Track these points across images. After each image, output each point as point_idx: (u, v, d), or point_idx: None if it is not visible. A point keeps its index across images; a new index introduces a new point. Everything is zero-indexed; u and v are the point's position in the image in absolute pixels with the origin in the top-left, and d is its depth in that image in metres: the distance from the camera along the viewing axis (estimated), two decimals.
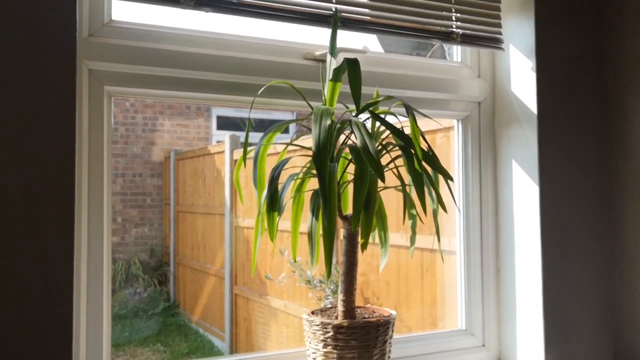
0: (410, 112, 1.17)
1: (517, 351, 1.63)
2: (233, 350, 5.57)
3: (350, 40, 2.05)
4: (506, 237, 1.67)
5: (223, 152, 5.54)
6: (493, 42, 1.60)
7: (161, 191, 7.46)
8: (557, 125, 1.61)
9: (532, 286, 1.59)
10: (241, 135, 6.16)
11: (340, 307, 1.30)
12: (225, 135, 5.71)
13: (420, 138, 1.21)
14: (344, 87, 1.23)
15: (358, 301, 3.69)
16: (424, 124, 1.89)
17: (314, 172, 1.22)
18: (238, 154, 5.23)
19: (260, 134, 1.28)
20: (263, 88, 1.25)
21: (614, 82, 1.67)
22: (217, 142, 7.45)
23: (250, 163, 1.27)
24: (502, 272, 1.68)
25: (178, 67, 1.26)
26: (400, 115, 1.33)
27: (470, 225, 1.69)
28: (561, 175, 1.61)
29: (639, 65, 1.61)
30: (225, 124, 7.73)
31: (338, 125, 1.20)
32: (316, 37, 1.57)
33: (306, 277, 3.49)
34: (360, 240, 1.20)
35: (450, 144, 1.90)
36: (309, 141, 1.17)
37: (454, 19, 1.52)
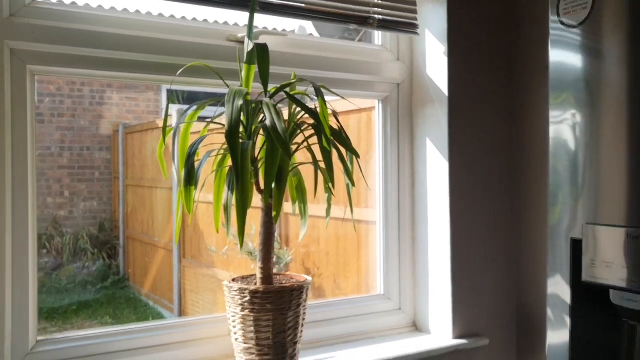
0: (319, 93, 1.27)
1: (429, 313, 1.78)
2: None
3: (285, 23, 2.13)
4: (421, 209, 1.80)
5: (171, 126, 5.54)
6: (409, 27, 1.70)
7: (110, 165, 7.40)
8: (466, 106, 1.73)
9: (443, 253, 1.73)
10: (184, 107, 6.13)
11: (258, 275, 1.41)
12: (174, 109, 5.69)
13: (332, 119, 1.31)
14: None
15: (300, 272, 3.81)
16: (350, 104, 1.99)
17: None
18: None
19: (214, 109, 1.36)
20: (182, 69, 1.33)
21: (517, 66, 1.80)
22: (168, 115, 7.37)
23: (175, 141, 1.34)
24: (417, 241, 1.81)
25: (101, 47, 1.32)
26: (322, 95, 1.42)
27: (389, 198, 1.81)
28: (469, 153, 1.74)
29: (539, 51, 1.74)
30: (174, 97, 7.66)
31: (253, 105, 1.28)
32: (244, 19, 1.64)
33: (248, 248, 3.59)
34: (273, 212, 1.31)
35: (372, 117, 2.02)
36: None
37: (371, 4, 1.62)
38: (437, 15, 1.71)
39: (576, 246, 1.08)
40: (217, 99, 1.39)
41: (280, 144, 1.15)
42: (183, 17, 1.50)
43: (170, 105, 7.74)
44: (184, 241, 5.51)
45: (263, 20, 1.63)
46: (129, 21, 1.38)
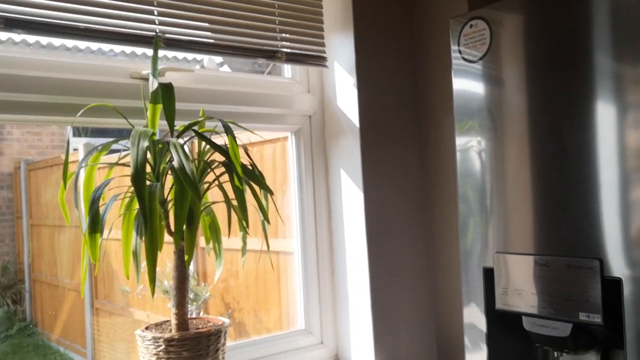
0: (229, 131, 1.24)
1: (351, 346, 1.76)
2: None
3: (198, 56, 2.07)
4: (339, 240, 1.79)
5: (77, 161, 5.30)
6: (317, 60, 1.71)
7: (12, 204, 6.98)
8: (378, 136, 1.76)
9: (362, 285, 1.73)
10: (97, 141, 5.91)
11: (173, 320, 1.34)
12: (80, 144, 5.46)
13: (244, 155, 1.28)
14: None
15: (219, 307, 3.70)
16: (264, 134, 1.97)
17: None
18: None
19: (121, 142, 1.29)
20: (82, 111, 1.26)
21: (425, 93, 1.85)
22: (74, 149, 7.08)
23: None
24: (336, 272, 1.80)
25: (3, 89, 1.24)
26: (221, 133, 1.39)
27: (306, 230, 1.79)
28: (382, 182, 1.76)
29: (445, 81, 1.80)
30: (80, 130, 7.37)
31: (160, 145, 1.23)
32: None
33: (163, 287, 3.46)
34: (185, 256, 1.25)
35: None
36: None
37: (279, 38, 1.61)
38: (344, 48, 1.73)
39: (488, 275, 1.10)
40: (122, 139, 1.33)
41: (189, 185, 1.11)
42: (83, 50, 1.44)
43: (76, 139, 7.44)
44: (96, 282, 5.25)
45: (171, 53, 1.59)
46: (26, 60, 1.30)
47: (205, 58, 2.52)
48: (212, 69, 1.68)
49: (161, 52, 1.60)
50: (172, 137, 1.18)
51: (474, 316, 1.13)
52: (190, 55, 1.58)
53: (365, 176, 1.71)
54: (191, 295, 3.63)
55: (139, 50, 1.60)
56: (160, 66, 1.47)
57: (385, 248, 1.75)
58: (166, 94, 1.15)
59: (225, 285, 3.63)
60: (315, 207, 1.81)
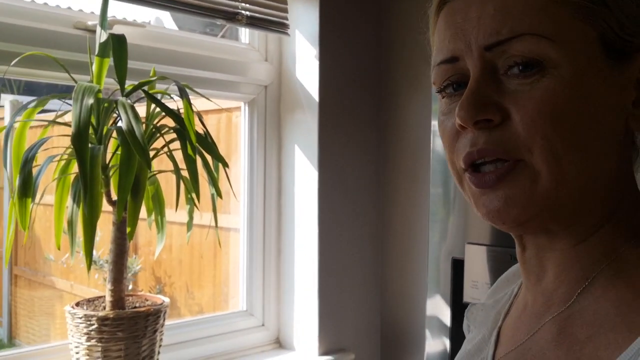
0: (184, 94, 1.13)
1: (293, 330, 1.70)
2: (12, 336, 5.09)
3: (140, 13, 1.93)
4: (288, 220, 1.71)
5: (2, 118, 4.97)
6: (279, 26, 1.61)
7: None
8: (337, 112, 1.68)
9: (309, 267, 1.66)
10: (25, 99, 5.56)
11: (108, 297, 1.23)
12: (6, 101, 5.11)
13: (198, 122, 1.17)
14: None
15: (150, 281, 3.56)
16: (218, 102, 1.85)
17: None
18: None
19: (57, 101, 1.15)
20: (17, 59, 1.11)
21: (388, 74, 1.78)
22: None
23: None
24: (282, 253, 1.72)
25: None
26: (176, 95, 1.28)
27: (254, 208, 1.70)
28: (339, 161, 1.68)
29: (411, 58, 1.73)
30: (6, 86, 6.92)
31: (106, 105, 1.11)
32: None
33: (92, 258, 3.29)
34: (127, 228, 1.14)
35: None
36: None
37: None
38: (308, 16, 1.63)
39: (457, 266, 1.05)
40: (61, 95, 1.19)
41: (138, 151, 0.99)
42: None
43: (3, 95, 6.98)
44: (16, 247, 4.96)
45: (116, 10, 1.44)
46: None
47: (152, 19, 2.36)
48: (163, 27, 1.55)
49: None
50: (121, 96, 1.06)
51: (438, 308, 1.08)
52: (133, 17, 1.44)
53: (322, 154, 1.63)
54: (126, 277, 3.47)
55: (78, 5, 1.45)
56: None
57: (336, 231, 1.68)
58: (118, 48, 1.02)
59: (157, 258, 3.49)
60: (265, 184, 1.71)
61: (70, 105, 1.16)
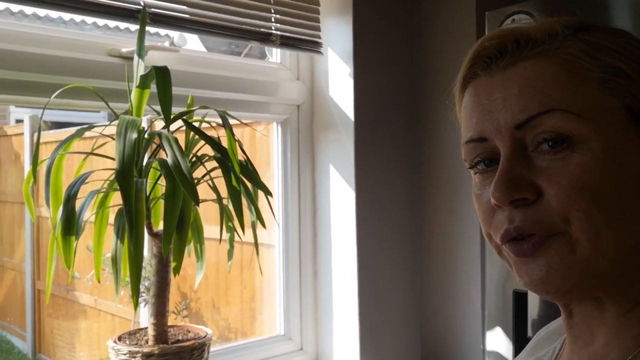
0: (226, 123, 1.10)
1: (333, 353, 1.66)
2: (36, 350, 5.11)
3: (164, 33, 1.88)
4: (324, 241, 1.67)
5: (22, 134, 4.98)
6: (312, 45, 1.57)
7: None
8: (373, 131, 1.64)
9: (348, 289, 1.62)
10: (45, 113, 5.57)
11: (150, 331, 1.20)
12: (25, 115, 5.14)
13: (239, 150, 1.14)
14: (154, 88, 1.11)
15: (175, 296, 3.54)
16: (243, 117, 1.81)
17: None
18: (40, 137, 4.73)
19: (65, 113, 1.12)
20: (58, 91, 1.09)
21: (422, 92, 1.74)
22: (16, 121, 6.69)
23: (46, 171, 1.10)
24: (319, 275, 1.69)
25: None
26: (216, 122, 1.25)
27: (289, 230, 1.67)
28: (376, 181, 1.64)
29: (447, 73, 1.69)
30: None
31: (147, 136, 1.08)
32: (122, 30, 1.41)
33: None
34: (172, 262, 1.11)
35: (270, 138, 1.87)
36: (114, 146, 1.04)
37: (273, 20, 1.47)
38: (341, 34, 1.60)
39: (520, 299, 1.00)
40: (99, 125, 1.17)
41: (185, 187, 0.96)
42: (54, 21, 1.26)
43: (20, 109, 7.01)
44: (39, 262, 4.97)
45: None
46: None
47: (175, 36, 2.33)
48: (196, 51, 1.52)
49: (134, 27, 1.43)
50: (165, 129, 1.03)
51: (498, 342, 1.04)
52: (161, 32, 1.41)
53: (358, 174, 1.59)
54: (146, 284, 3.45)
55: (112, 22, 1.42)
56: (133, 42, 1.30)
57: (375, 252, 1.64)
58: (162, 80, 0.99)
59: (182, 273, 3.46)
60: (300, 205, 1.68)
61: (110, 137, 1.14)
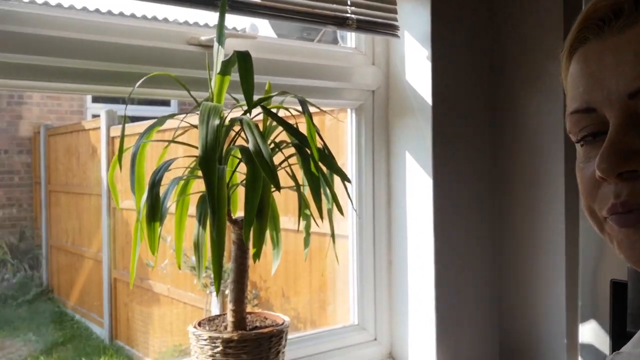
0: (305, 109, 1.08)
1: (408, 344, 1.62)
2: (113, 337, 5.31)
3: (235, 21, 1.88)
4: (399, 230, 1.64)
5: (99, 128, 5.18)
6: (388, 28, 1.54)
7: (31, 169, 6.88)
8: (451, 116, 1.59)
9: (424, 279, 1.58)
10: (119, 109, 5.79)
11: (229, 317, 1.20)
12: (102, 110, 5.33)
13: (317, 136, 1.12)
14: (233, 75, 1.11)
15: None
16: (317, 104, 1.80)
17: (199, 172, 1.09)
18: (115, 131, 4.90)
19: (140, 108, 1.14)
20: (141, 80, 1.10)
21: (504, 73, 1.67)
22: (93, 116, 6.97)
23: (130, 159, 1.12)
24: (394, 265, 1.65)
25: (44, 54, 1.08)
26: (293, 108, 1.24)
27: (363, 218, 1.64)
28: (454, 169, 1.60)
29: (529, 56, 1.62)
30: (101, 96, 7.23)
31: (227, 123, 1.08)
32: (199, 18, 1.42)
33: (190, 263, 3.34)
34: (252, 249, 1.11)
35: (339, 125, 1.84)
36: (194, 134, 1.05)
37: (349, 3, 1.44)
38: (418, 16, 1.55)
39: (619, 289, 0.94)
40: (180, 113, 1.18)
41: (267, 173, 0.95)
42: (134, 15, 1.28)
43: (96, 105, 7.29)
44: (115, 251, 5.16)
45: (209, 18, 1.41)
46: (73, 22, 1.14)
47: (248, 25, 2.34)
48: (272, 37, 1.51)
49: (202, 15, 1.42)
50: (246, 114, 1.02)
51: (594, 336, 0.98)
52: (233, 24, 1.41)
53: (436, 161, 1.54)
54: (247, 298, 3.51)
55: (191, 18, 1.43)
56: (209, 31, 1.30)
57: (452, 242, 1.60)
58: (244, 64, 0.99)
59: (250, 263, 3.50)
60: (374, 193, 1.65)
61: (191, 125, 1.15)
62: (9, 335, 5.41)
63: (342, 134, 1.73)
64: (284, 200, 3.10)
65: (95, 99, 7.29)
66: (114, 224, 5.11)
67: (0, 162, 6.62)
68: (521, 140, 1.65)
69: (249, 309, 1.29)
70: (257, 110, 1.16)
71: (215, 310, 3.67)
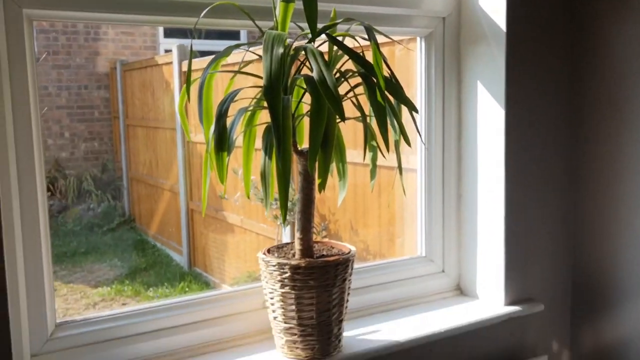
0: (372, 36, 1.05)
1: (476, 277, 1.62)
2: (191, 263, 5.57)
3: None
4: (469, 162, 1.60)
5: (171, 63, 5.27)
6: None
7: (109, 104, 7.14)
8: (527, 43, 1.51)
9: (494, 214, 1.55)
10: (188, 42, 5.85)
11: (297, 246, 1.23)
12: (173, 45, 5.40)
13: (383, 64, 1.09)
14: (298, 3, 1.09)
15: (314, 218, 3.64)
16: (382, 36, 1.75)
17: (265, 103, 1.10)
18: (187, 65, 4.97)
19: (211, 42, 1.15)
20: (206, 10, 1.10)
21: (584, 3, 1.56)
22: (165, 51, 7.09)
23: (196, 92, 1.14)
24: (463, 198, 1.63)
25: None
26: (360, 36, 1.21)
27: (432, 150, 1.61)
28: (528, 99, 1.53)
29: None
30: (172, 30, 7.33)
31: (291, 52, 1.07)
32: None
33: (261, 195, 3.42)
34: (317, 179, 1.11)
35: (410, 55, 1.79)
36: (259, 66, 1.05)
37: None
38: None
39: None
40: (244, 43, 1.18)
41: (331, 102, 0.94)
42: None
43: (169, 40, 7.40)
44: (191, 184, 5.35)
45: None
46: None
47: None
48: None
49: None
50: (309, 42, 1.01)
51: None
52: None
53: (509, 91, 1.48)
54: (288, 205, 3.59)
55: None
56: None
57: (525, 176, 1.55)
58: None
59: (320, 196, 3.55)
60: (444, 124, 1.61)
61: (256, 54, 1.14)
62: (97, 260, 5.79)
63: (412, 65, 1.68)
64: (353, 134, 3.08)
65: (167, 34, 7.40)
66: (188, 157, 5.28)
67: (81, 97, 6.90)
68: (605, 67, 1.55)
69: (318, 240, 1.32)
70: (322, 42, 1.14)
71: (286, 241, 3.78)
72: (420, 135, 1.55)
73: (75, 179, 6.80)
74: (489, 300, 1.59)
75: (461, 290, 1.66)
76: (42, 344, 1.14)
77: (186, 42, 5.64)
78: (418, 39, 1.60)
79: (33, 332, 1.13)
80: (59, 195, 6.64)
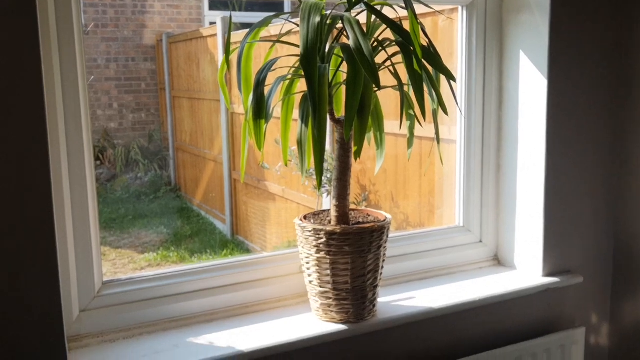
0: (409, 4, 1.05)
1: (514, 248, 1.61)
2: (234, 232, 5.69)
3: None
4: (509, 132, 1.59)
5: (215, 35, 5.31)
6: None
7: (155, 76, 7.27)
8: (571, 12, 1.47)
9: (534, 185, 1.54)
10: (234, 15, 5.88)
11: (333, 212, 1.26)
12: (218, 17, 5.44)
13: (421, 33, 1.09)
14: None
15: (355, 189, 3.66)
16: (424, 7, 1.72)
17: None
18: (232, 37, 5.01)
19: (254, 14, 1.16)
20: None
21: None
22: (210, 23, 7.14)
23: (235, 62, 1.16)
24: (502, 168, 1.62)
25: None
26: (399, 5, 1.20)
27: (472, 120, 1.60)
28: (572, 69, 1.50)
29: None
30: (217, 3, 7.38)
31: (329, 21, 1.08)
32: None
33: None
34: (353, 147, 1.13)
35: (454, 26, 1.77)
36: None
37: None
38: None
39: None
40: (283, 13, 1.19)
41: (367, 70, 0.95)
42: None
43: (213, 12, 7.45)
44: (234, 154, 5.43)
45: None
46: None
47: None
48: None
49: None
50: (346, 11, 1.01)
51: None
52: None
53: (552, 60, 1.46)
54: (328, 175, 3.61)
55: None
56: None
57: (566, 147, 1.53)
58: None
59: (361, 167, 3.56)
60: (484, 94, 1.60)
61: (294, 24, 1.16)
62: (144, 227, 5.97)
63: (455, 36, 1.67)
64: (396, 105, 3.07)
65: (212, 6, 7.45)
66: (231, 128, 5.35)
67: (128, 70, 7.04)
68: None
69: None
70: (363, 9, 1.15)
71: None
72: (458, 106, 1.55)
73: (123, 148, 6.99)
74: (526, 271, 1.59)
75: (499, 261, 1.67)
76: (90, 300, 1.21)
77: (229, 14, 5.66)
78: (460, 8, 1.58)
79: (81, 289, 1.20)
80: (108, 164, 6.84)
